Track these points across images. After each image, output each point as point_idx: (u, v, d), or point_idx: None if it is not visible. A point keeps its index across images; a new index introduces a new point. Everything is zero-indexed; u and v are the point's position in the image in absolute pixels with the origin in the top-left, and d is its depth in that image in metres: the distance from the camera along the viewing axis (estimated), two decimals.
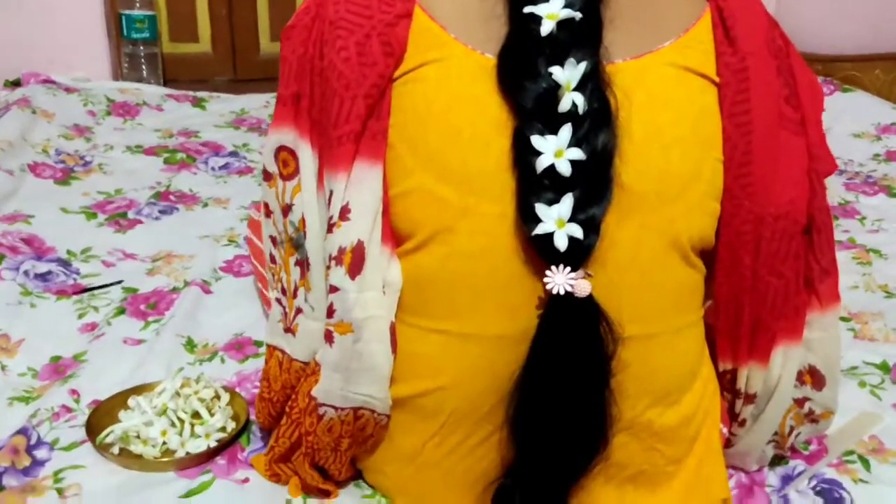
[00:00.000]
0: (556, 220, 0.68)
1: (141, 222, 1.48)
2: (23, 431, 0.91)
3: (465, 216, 0.72)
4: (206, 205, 1.58)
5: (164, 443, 0.89)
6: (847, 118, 2.06)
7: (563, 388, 0.71)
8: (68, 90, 1.96)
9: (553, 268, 0.69)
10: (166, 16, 2.28)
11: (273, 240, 0.83)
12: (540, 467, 0.74)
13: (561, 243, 0.68)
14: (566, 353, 0.70)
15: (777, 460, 0.92)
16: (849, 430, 0.97)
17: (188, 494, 0.84)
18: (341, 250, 0.74)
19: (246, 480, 0.87)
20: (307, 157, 0.77)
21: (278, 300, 0.84)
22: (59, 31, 2.01)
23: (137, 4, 2.12)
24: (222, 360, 1.09)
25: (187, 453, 0.88)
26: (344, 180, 0.74)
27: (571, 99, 0.68)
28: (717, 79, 0.75)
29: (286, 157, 0.79)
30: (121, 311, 1.18)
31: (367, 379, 0.76)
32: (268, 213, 0.83)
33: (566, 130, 0.68)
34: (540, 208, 0.68)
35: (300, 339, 0.81)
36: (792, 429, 0.87)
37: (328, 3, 0.75)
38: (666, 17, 0.76)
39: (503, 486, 0.75)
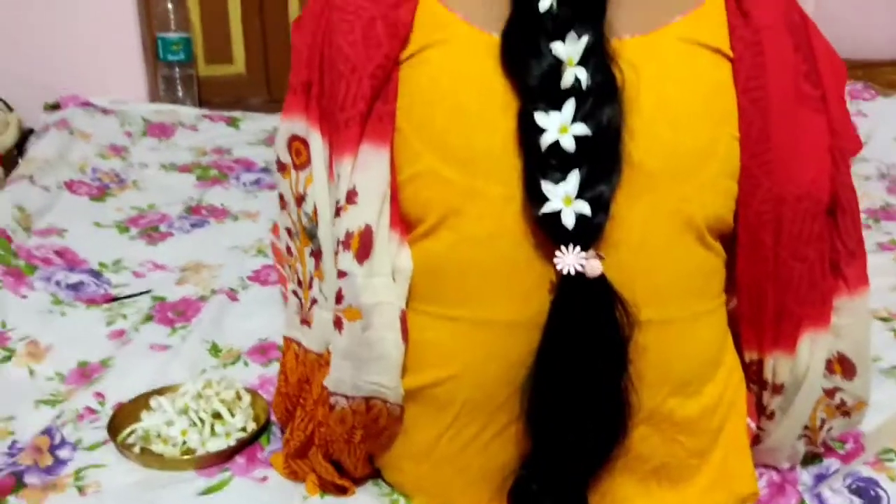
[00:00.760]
0: (563, 197, 0.67)
1: (172, 235, 1.49)
2: (47, 432, 0.92)
3: (473, 198, 0.71)
4: (236, 218, 1.59)
5: (185, 442, 0.90)
6: (889, 123, 2.02)
7: (580, 374, 0.69)
8: (105, 112, 1.99)
9: (563, 248, 0.67)
10: (201, 38, 2.32)
11: (289, 231, 0.83)
12: (558, 459, 0.72)
13: (569, 221, 0.67)
14: (581, 338, 0.69)
15: (810, 459, 0.89)
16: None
17: (207, 492, 0.84)
18: (349, 235, 0.73)
19: (265, 479, 0.87)
20: (318, 145, 0.77)
21: (294, 292, 0.84)
22: (96, 55, 2.04)
23: (173, 27, 2.16)
24: (245, 364, 1.09)
25: (207, 452, 0.88)
26: (350, 163, 0.73)
27: (574, 73, 0.67)
28: (730, 53, 0.73)
29: (298, 147, 0.79)
30: (148, 319, 1.19)
31: (378, 368, 0.75)
32: (283, 205, 0.83)
33: (570, 106, 0.67)
34: (546, 186, 0.67)
35: (315, 329, 0.81)
36: (823, 422, 0.83)
37: None
38: None
39: (520, 478, 0.74)
